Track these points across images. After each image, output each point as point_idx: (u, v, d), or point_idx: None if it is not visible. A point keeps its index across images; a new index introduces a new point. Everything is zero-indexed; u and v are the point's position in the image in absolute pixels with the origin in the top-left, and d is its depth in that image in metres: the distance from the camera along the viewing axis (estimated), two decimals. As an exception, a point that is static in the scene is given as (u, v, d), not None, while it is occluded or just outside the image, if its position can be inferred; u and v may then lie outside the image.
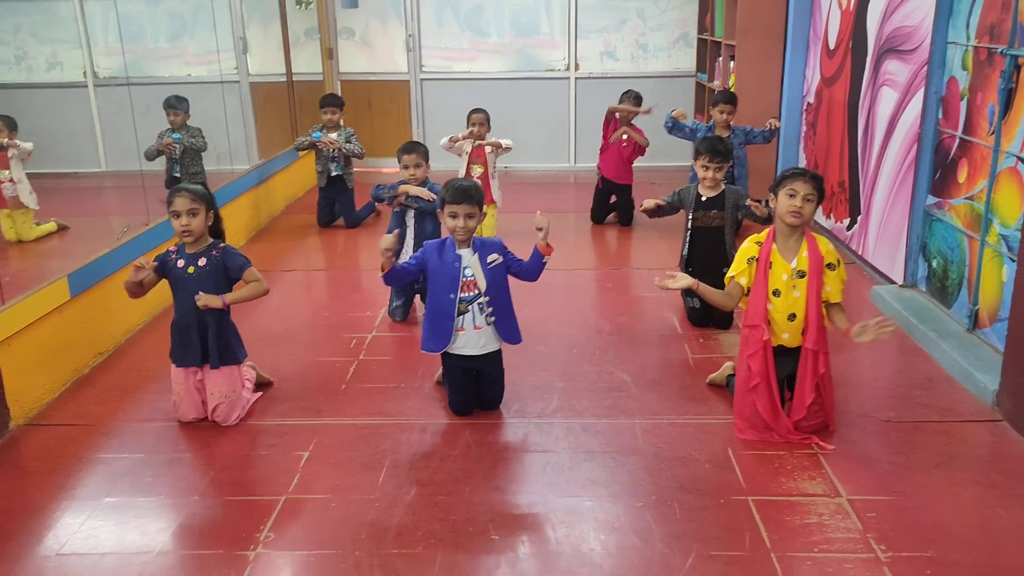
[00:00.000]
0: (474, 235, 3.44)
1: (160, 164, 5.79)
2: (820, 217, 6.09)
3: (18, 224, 5.05)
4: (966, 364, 3.73)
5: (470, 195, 3.34)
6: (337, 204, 6.62)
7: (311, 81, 8.16)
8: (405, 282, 4.06)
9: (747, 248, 3.30)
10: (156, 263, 3.46)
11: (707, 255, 4.42)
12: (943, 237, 4.35)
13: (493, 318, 3.42)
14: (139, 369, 4.04)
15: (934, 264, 4.45)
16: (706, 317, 4.43)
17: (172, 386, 3.50)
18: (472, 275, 3.38)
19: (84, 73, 6.36)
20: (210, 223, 3.44)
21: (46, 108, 6.35)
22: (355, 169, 6.83)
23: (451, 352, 3.45)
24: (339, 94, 8.69)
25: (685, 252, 4.48)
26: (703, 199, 4.44)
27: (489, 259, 3.40)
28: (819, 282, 3.19)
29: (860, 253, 5.37)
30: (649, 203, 4.54)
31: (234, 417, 3.47)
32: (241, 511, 2.88)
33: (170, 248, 3.49)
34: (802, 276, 3.20)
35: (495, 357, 3.51)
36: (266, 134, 7.19)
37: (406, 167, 4.53)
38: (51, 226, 5.17)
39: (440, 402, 3.65)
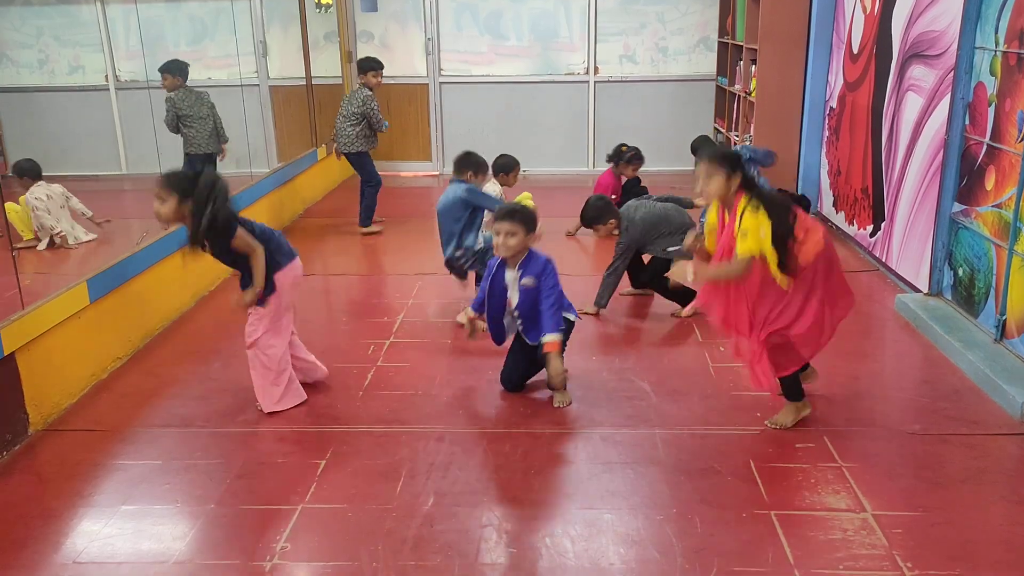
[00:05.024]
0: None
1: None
2: (843, 223, 6.02)
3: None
4: (993, 375, 3.66)
5: (512, 215, 3.56)
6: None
7: (330, 84, 8.17)
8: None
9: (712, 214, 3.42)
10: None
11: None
12: (969, 245, 4.27)
13: (521, 327, 3.70)
14: (156, 375, 4.03)
15: (960, 272, 4.38)
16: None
17: None
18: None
19: (106, 77, 6.38)
20: (188, 210, 3.35)
21: (68, 111, 6.38)
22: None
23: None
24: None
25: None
26: None
27: (523, 281, 3.60)
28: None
29: (884, 260, 5.30)
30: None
31: (251, 330, 3.56)
32: (257, 520, 2.87)
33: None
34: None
35: None
36: (285, 137, 7.20)
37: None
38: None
39: (459, 410, 3.62)
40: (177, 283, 4.81)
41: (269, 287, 3.51)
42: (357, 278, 5.64)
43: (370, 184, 6.57)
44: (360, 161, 6.56)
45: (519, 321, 3.68)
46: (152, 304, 4.51)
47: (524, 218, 3.57)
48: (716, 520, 2.81)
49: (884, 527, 2.76)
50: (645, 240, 4.63)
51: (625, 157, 6.46)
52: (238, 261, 3.50)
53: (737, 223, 3.20)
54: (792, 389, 3.41)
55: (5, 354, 3.31)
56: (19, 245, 4.90)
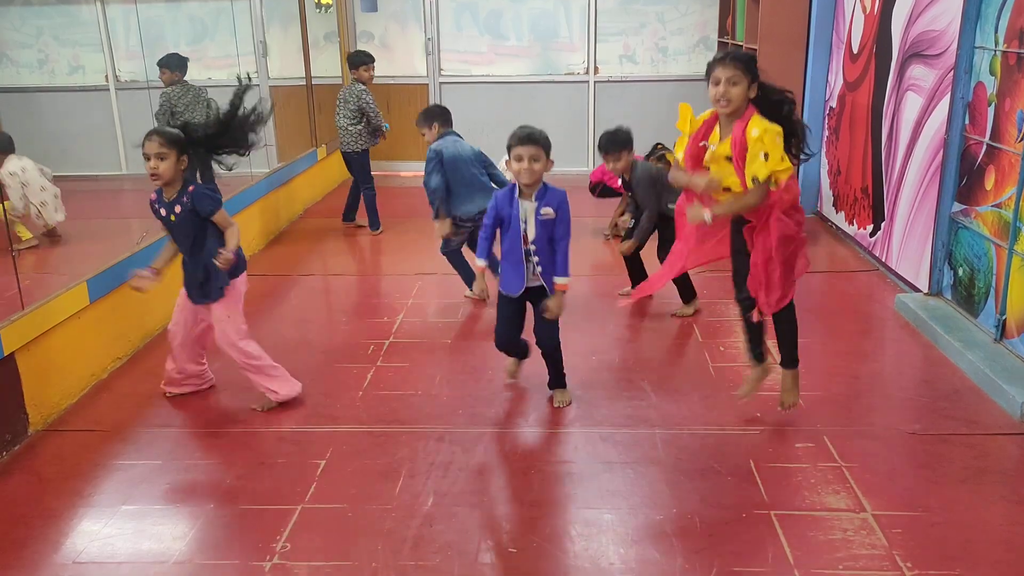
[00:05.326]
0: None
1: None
2: (843, 223, 6.02)
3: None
4: (993, 375, 3.66)
5: (534, 138, 3.37)
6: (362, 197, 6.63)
7: (330, 84, 8.17)
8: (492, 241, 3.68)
9: (694, 120, 3.30)
10: (153, 270, 3.59)
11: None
12: (969, 245, 4.27)
13: (541, 270, 3.48)
14: (156, 375, 4.02)
15: (960, 272, 4.38)
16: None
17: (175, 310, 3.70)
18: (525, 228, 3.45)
19: (106, 77, 6.40)
20: (183, 167, 3.42)
21: (68, 111, 6.40)
22: (374, 172, 6.75)
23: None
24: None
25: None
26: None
27: (543, 211, 3.43)
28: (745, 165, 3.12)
29: (884, 260, 5.30)
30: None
31: (230, 340, 3.56)
32: (257, 520, 2.87)
33: (152, 195, 3.52)
34: (729, 160, 3.14)
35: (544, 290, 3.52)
36: (285, 137, 7.20)
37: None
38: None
39: (459, 410, 3.62)
40: (177, 283, 4.79)
41: (223, 278, 3.52)
42: (357, 278, 5.64)
43: (368, 186, 6.53)
44: (361, 160, 6.51)
45: (536, 259, 3.44)
46: (152, 304, 4.50)
47: (545, 142, 3.44)
48: (716, 520, 2.81)
49: (884, 527, 2.76)
50: (659, 187, 4.64)
51: (658, 153, 6.45)
52: (198, 236, 3.47)
53: (747, 133, 3.04)
54: (794, 348, 3.42)
55: (5, 354, 3.31)
56: (19, 246, 4.91)
